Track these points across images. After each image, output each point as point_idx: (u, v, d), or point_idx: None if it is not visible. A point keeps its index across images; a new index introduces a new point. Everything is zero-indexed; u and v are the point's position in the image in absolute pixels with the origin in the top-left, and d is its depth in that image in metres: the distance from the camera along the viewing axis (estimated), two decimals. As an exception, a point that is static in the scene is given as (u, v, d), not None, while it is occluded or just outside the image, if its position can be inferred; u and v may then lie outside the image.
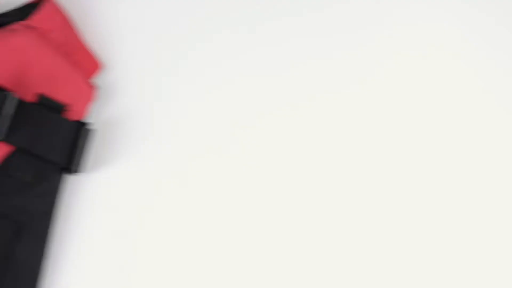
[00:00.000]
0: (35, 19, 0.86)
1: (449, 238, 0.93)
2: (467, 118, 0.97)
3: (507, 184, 0.95)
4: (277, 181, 0.93)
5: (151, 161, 0.92)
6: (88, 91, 0.89)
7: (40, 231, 0.86)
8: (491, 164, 0.96)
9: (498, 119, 0.97)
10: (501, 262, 0.93)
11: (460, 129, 0.96)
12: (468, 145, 0.96)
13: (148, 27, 0.95)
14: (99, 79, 0.92)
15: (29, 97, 0.86)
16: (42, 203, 0.86)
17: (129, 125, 0.94)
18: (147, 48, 0.95)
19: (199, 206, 0.92)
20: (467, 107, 0.97)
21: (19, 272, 0.85)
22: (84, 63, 0.89)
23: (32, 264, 0.85)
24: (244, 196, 0.92)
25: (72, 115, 0.88)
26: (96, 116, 0.92)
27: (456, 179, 0.95)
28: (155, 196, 0.92)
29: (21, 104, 0.84)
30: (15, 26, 0.86)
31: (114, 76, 0.94)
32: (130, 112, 0.94)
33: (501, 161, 0.96)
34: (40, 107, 0.85)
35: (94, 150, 0.91)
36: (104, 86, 0.93)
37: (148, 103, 0.93)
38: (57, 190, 0.87)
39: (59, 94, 0.87)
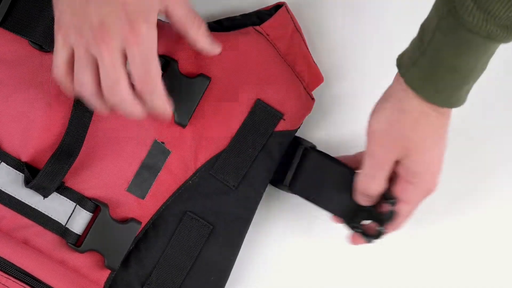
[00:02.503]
0: (267, 25, 0.87)
1: None
2: None
3: None
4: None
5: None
6: (307, 103, 0.89)
7: (233, 235, 0.87)
8: None
9: None
10: None
11: None
12: None
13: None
14: (317, 92, 0.92)
15: (247, 101, 0.87)
16: (241, 208, 0.87)
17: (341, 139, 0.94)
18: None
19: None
20: None
21: (205, 273, 0.86)
22: (307, 74, 0.89)
23: (220, 267, 0.87)
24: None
25: (287, 125, 0.88)
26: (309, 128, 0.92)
27: None
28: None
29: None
30: (247, 30, 0.87)
31: (333, 91, 0.94)
32: (342, 128, 0.94)
33: None
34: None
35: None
36: (320, 100, 0.93)
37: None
38: (259, 198, 0.88)
39: (278, 102, 0.87)
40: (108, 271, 0.83)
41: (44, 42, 0.82)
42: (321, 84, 0.92)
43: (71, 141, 0.81)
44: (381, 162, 0.80)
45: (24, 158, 0.82)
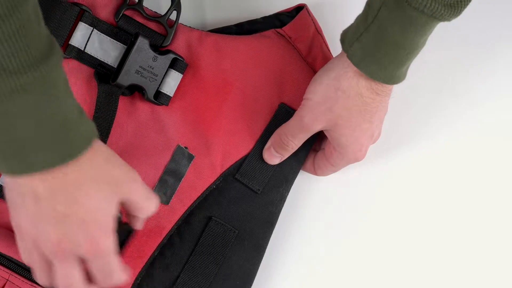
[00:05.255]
0: (288, 28, 0.86)
1: None
2: None
3: None
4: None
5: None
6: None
7: (258, 239, 0.87)
8: None
9: None
10: None
11: None
12: None
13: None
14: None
15: (271, 105, 0.86)
16: (266, 212, 0.87)
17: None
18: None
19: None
20: None
21: (231, 277, 0.86)
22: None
23: (245, 271, 0.86)
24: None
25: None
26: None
27: None
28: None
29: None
30: (268, 32, 0.87)
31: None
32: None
33: None
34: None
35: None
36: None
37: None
38: (283, 202, 0.87)
39: (299, 104, 0.87)
40: (133, 278, 0.83)
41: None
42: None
43: None
44: (305, 127, 0.83)
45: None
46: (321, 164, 0.87)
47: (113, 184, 0.69)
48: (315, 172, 0.88)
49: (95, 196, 0.67)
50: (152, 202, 0.72)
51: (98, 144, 0.68)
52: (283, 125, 0.85)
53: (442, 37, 0.87)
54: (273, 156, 0.86)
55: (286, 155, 0.86)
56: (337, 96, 0.80)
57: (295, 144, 0.85)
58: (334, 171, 0.88)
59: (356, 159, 0.84)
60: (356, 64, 0.78)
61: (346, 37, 0.79)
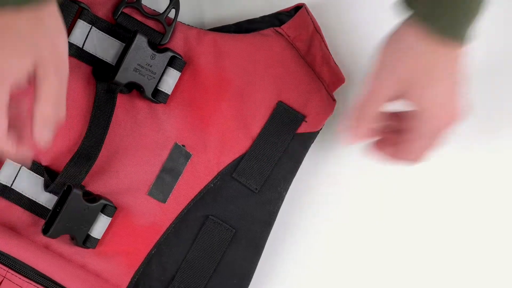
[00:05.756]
0: (287, 27, 0.86)
1: None
2: None
3: None
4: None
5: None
6: (329, 104, 0.88)
7: (255, 239, 0.86)
8: None
9: None
10: None
11: None
12: None
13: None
14: (340, 94, 0.91)
15: (269, 103, 0.86)
16: (263, 211, 0.87)
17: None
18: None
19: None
20: None
21: (228, 276, 0.86)
22: (328, 75, 0.88)
23: (242, 270, 0.86)
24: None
25: (308, 127, 0.87)
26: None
27: None
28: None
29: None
30: (267, 31, 0.87)
31: (357, 93, 0.93)
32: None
33: None
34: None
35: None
36: (344, 101, 0.92)
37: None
38: (281, 201, 0.87)
39: (299, 103, 0.86)
40: (130, 276, 0.83)
41: None
42: (345, 86, 0.91)
43: (90, 144, 0.81)
44: (374, 96, 0.78)
45: (44, 162, 0.82)
46: (407, 145, 0.80)
47: (34, 51, 0.68)
48: (405, 156, 0.81)
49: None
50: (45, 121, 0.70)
51: (50, 8, 0.68)
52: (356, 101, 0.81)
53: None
54: (350, 129, 0.81)
55: (362, 127, 0.80)
56: (401, 55, 0.76)
57: (368, 119, 0.79)
58: (422, 146, 0.80)
59: (448, 122, 0.78)
60: (427, 20, 0.74)
61: None
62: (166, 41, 0.84)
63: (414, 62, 0.76)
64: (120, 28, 0.83)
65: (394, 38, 0.77)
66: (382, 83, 0.77)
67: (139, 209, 0.83)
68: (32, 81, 0.69)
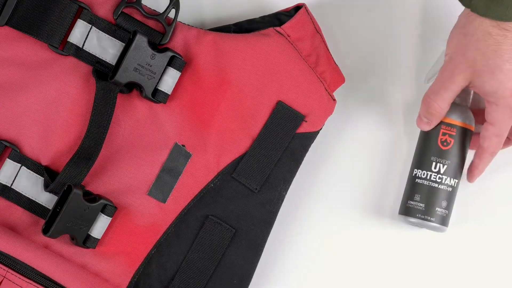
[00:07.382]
0: (287, 27, 0.86)
1: None
2: None
3: None
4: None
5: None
6: (329, 104, 0.88)
7: (255, 239, 0.86)
8: None
9: None
10: None
11: None
12: None
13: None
14: (341, 94, 0.91)
15: (269, 103, 0.86)
16: (264, 211, 0.87)
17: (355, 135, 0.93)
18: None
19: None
20: None
21: (228, 276, 0.86)
22: (328, 75, 0.88)
23: (242, 270, 0.86)
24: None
25: (309, 127, 0.87)
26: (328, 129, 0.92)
27: None
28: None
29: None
30: (267, 31, 0.87)
31: (357, 93, 0.93)
32: (366, 129, 0.93)
33: None
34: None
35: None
36: (345, 101, 0.92)
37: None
38: (281, 201, 0.87)
39: (299, 103, 0.86)
40: (130, 276, 0.83)
41: (50, 40, 0.82)
42: (345, 85, 0.91)
43: (90, 144, 0.81)
44: (445, 82, 0.82)
45: (44, 162, 0.82)
46: (484, 133, 0.84)
47: None
48: (483, 148, 0.85)
49: None
50: None
51: None
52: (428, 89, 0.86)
53: None
54: (422, 122, 0.87)
55: (433, 120, 0.86)
56: (466, 41, 0.80)
57: (439, 105, 0.84)
58: (498, 135, 0.83)
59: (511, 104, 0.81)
60: (483, 14, 0.78)
61: None
62: (166, 41, 0.84)
63: (480, 45, 0.79)
64: (120, 28, 0.83)
65: (459, 28, 0.80)
66: (454, 71, 0.81)
67: (139, 209, 0.83)
68: None
